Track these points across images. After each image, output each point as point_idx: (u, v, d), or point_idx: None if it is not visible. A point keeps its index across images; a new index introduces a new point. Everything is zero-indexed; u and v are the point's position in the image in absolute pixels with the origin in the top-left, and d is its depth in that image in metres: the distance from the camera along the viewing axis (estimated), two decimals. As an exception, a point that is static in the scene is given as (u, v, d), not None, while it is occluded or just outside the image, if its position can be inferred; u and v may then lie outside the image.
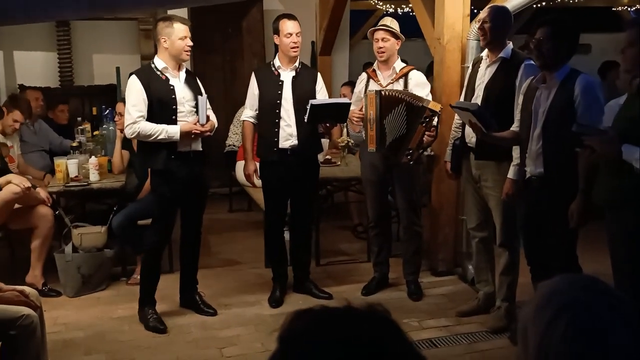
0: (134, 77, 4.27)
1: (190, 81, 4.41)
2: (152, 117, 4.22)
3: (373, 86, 4.70)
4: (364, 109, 4.64)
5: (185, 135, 4.25)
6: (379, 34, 4.63)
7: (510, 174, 3.97)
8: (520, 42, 8.48)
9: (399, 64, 4.71)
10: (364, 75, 4.87)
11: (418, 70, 4.78)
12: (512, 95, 4.02)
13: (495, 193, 4.17)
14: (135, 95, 4.21)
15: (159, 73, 4.27)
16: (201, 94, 4.38)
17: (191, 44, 4.31)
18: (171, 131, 4.21)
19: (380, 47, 4.62)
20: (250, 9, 7.76)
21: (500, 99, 4.03)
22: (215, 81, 7.97)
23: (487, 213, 4.36)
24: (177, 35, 4.22)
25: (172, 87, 4.28)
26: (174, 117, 4.27)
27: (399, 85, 4.65)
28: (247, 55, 7.97)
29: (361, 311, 1.01)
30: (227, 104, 7.70)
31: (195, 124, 4.28)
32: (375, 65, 4.80)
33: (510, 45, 4.17)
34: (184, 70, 4.39)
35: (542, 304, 1.14)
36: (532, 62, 4.04)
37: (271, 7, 7.50)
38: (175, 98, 4.28)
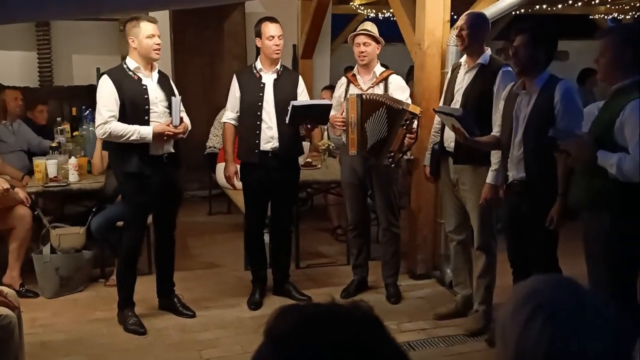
0: (105, 76, 4.22)
1: (163, 82, 4.37)
2: (124, 117, 4.17)
3: (353, 90, 4.74)
4: (345, 113, 4.67)
5: (158, 136, 4.20)
6: (360, 39, 4.67)
7: (489, 179, 4.03)
8: (498, 47, 8.60)
9: (379, 69, 4.75)
10: (343, 80, 4.90)
11: (397, 74, 4.82)
12: (490, 101, 4.09)
13: (472, 196, 4.22)
14: (106, 95, 4.16)
15: (131, 73, 4.23)
16: (174, 95, 4.36)
17: (159, 42, 4.26)
18: (143, 132, 4.16)
19: (362, 52, 4.65)
20: (231, 12, 7.77)
21: (478, 104, 4.08)
22: (196, 83, 7.97)
23: (464, 216, 4.41)
24: (144, 34, 4.18)
25: (144, 87, 4.24)
26: (146, 117, 4.23)
27: (379, 89, 4.69)
28: (227, 57, 7.98)
29: (346, 308, 1.03)
30: (207, 106, 7.69)
31: (168, 125, 4.25)
32: (355, 70, 4.83)
33: (488, 51, 4.23)
34: (157, 70, 4.36)
35: (519, 304, 1.16)
36: (510, 68, 4.12)
37: (253, 10, 7.51)
38: (147, 98, 4.24)
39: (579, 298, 1.14)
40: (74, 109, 7.12)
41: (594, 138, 3.12)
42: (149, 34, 4.19)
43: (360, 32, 4.68)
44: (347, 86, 4.81)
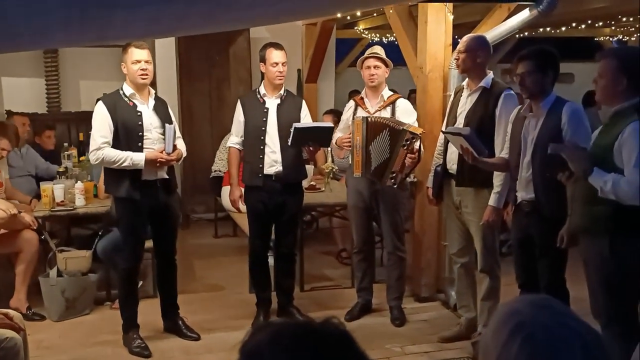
0: (100, 102, 4.28)
1: (159, 108, 4.41)
2: (117, 143, 4.22)
3: (361, 113, 4.78)
4: (351, 135, 4.72)
5: (151, 163, 4.24)
6: (371, 62, 4.72)
7: (492, 201, 4.06)
8: (505, 68, 8.63)
9: (386, 92, 4.80)
10: (351, 103, 4.95)
11: (405, 98, 4.87)
12: (492, 124, 4.12)
13: (475, 219, 4.23)
14: (100, 121, 4.22)
15: (126, 99, 4.28)
16: (170, 122, 4.40)
17: (145, 67, 4.26)
18: (136, 159, 4.20)
19: (373, 74, 4.70)
20: (237, 37, 7.86)
21: (481, 127, 4.10)
22: (202, 107, 8.05)
23: (468, 239, 4.42)
24: (130, 59, 4.24)
25: (139, 114, 4.28)
26: (140, 144, 4.27)
27: (386, 113, 4.72)
28: (233, 82, 8.05)
29: (317, 324, 1.06)
30: (213, 131, 7.77)
31: (161, 152, 4.29)
32: (363, 93, 4.88)
33: (490, 74, 4.27)
34: (153, 96, 4.41)
35: (500, 324, 1.17)
36: (512, 92, 4.17)
37: (258, 35, 7.60)
38: (142, 125, 4.28)
39: (556, 317, 1.16)
40: (80, 134, 7.21)
41: (594, 160, 3.15)
42: (135, 59, 4.23)
43: (371, 55, 4.73)
44: (355, 109, 4.86)
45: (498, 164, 4.00)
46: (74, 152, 6.43)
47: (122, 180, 4.26)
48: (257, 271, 4.92)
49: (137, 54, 4.23)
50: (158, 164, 4.29)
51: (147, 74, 4.28)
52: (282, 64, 4.62)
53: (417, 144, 4.52)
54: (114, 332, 4.62)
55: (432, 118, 5.04)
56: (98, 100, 4.33)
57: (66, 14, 2.05)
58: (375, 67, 4.70)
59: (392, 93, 4.82)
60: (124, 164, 4.19)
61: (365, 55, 4.79)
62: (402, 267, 4.97)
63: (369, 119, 4.64)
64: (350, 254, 5.54)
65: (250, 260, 4.92)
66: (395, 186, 4.58)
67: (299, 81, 8.32)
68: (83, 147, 6.66)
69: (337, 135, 4.91)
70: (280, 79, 4.64)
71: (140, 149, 4.25)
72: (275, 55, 4.62)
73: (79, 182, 5.39)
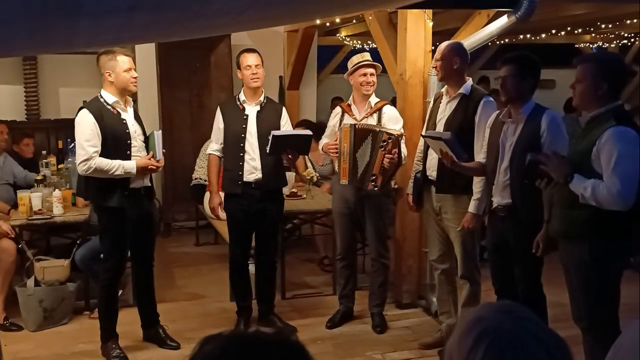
0: (85, 111, 4.20)
1: (137, 116, 4.43)
2: (105, 152, 4.17)
3: (348, 120, 4.77)
4: (338, 142, 4.70)
5: (141, 170, 4.23)
6: (368, 70, 4.69)
7: (471, 207, 4.07)
8: (482, 75, 8.67)
9: (374, 99, 4.78)
10: (338, 109, 4.92)
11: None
12: (472, 130, 4.14)
13: (455, 225, 4.24)
14: (88, 130, 4.15)
15: (109, 107, 4.24)
16: (144, 129, 4.40)
17: (137, 75, 4.30)
18: (127, 167, 4.18)
19: (369, 82, 4.68)
20: (218, 44, 7.83)
21: (460, 133, 4.10)
22: (183, 115, 8.00)
23: (448, 245, 4.42)
24: (121, 67, 4.21)
25: (124, 122, 4.27)
26: (128, 152, 4.25)
27: (372, 120, 4.71)
28: (214, 89, 8.02)
29: (269, 334, 1.04)
30: (194, 138, 7.72)
31: (149, 159, 4.28)
32: (350, 100, 4.86)
33: (469, 81, 4.28)
34: (132, 105, 4.41)
35: (465, 331, 1.17)
36: (491, 98, 4.19)
37: (239, 42, 7.58)
38: (129, 133, 4.27)
39: (518, 322, 1.16)
40: (60, 142, 7.14)
41: (573, 165, 3.16)
42: (127, 67, 4.23)
43: (366, 62, 4.71)
44: (342, 116, 4.84)
45: (476, 168, 4.01)
46: (52, 160, 6.36)
47: (111, 189, 4.22)
48: (237, 279, 4.89)
49: (129, 62, 4.24)
50: (148, 171, 4.28)
51: (136, 82, 4.31)
52: (256, 66, 4.60)
53: (397, 145, 4.48)
54: (93, 342, 4.57)
55: (413, 124, 5.05)
56: (81, 108, 4.27)
57: (28, 25, 2.03)
58: (371, 74, 4.69)
59: (379, 100, 4.81)
60: (117, 173, 4.15)
61: (358, 63, 4.71)
62: (385, 274, 4.96)
63: (357, 126, 4.64)
64: (333, 261, 5.53)
65: (230, 268, 4.89)
66: (376, 189, 4.55)
67: (281, 88, 8.31)
68: (62, 155, 6.60)
69: (324, 141, 4.90)
70: (256, 81, 4.62)
71: (128, 157, 4.23)
72: (247, 59, 4.62)
73: (57, 190, 5.33)
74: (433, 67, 4.27)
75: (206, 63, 7.99)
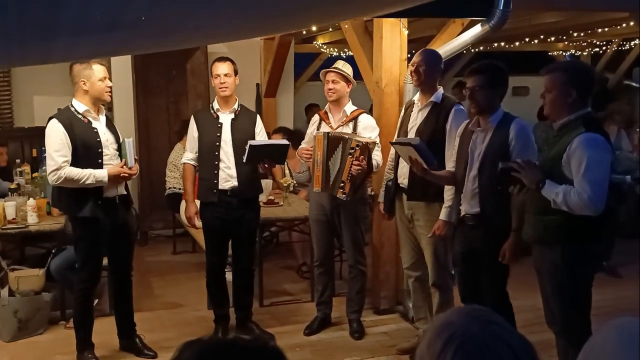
0: (54, 121, 4.17)
1: (109, 124, 4.41)
2: (76, 161, 4.14)
3: (324, 128, 4.79)
4: (312, 150, 4.72)
5: (113, 178, 4.21)
6: (330, 76, 4.73)
7: (442, 215, 4.11)
8: (458, 80, 8.74)
9: (349, 107, 4.79)
10: (316, 117, 4.94)
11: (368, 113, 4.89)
12: (443, 139, 4.18)
13: (426, 233, 4.28)
14: (58, 140, 4.12)
15: (80, 116, 4.21)
16: (119, 137, 4.38)
17: (111, 84, 4.30)
18: (99, 175, 4.15)
19: (330, 89, 4.71)
20: (194, 51, 7.82)
21: (431, 142, 4.13)
22: (160, 123, 7.97)
23: (420, 253, 4.45)
24: (96, 76, 4.20)
25: (95, 130, 4.24)
26: (99, 160, 4.22)
27: (348, 128, 4.73)
28: (191, 97, 8.00)
29: (247, 340, 1.06)
30: (171, 146, 7.69)
31: (122, 166, 4.26)
32: (327, 108, 4.89)
33: (440, 90, 4.33)
34: (104, 113, 4.38)
35: (434, 336, 1.19)
36: (462, 107, 4.24)
37: (216, 50, 7.57)
38: (100, 141, 4.24)
39: (485, 326, 1.18)
40: (34, 151, 7.08)
41: (544, 172, 3.21)
42: (102, 76, 4.22)
43: (331, 69, 4.74)
44: (320, 123, 4.87)
45: (446, 177, 4.05)
46: (26, 168, 6.31)
47: (83, 199, 4.18)
48: (214, 287, 4.88)
49: (103, 71, 4.23)
50: (120, 179, 4.25)
51: (111, 91, 4.30)
52: (225, 75, 4.60)
53: (365, 153, 4.50)
54: (69, 352, 4.53)
55: (388, 132, 5.07)
56: (51, 118, 4.23)
57: (4, 42, 2.02)
58: (333, 81, 4.71)
59: (355, 108, 4.82)
60: (88, 182, 4.12)
61: (327, 69, 4.79)
62: (363, 280, 4.98)
63: (330, 134, 4.66)
64: (311, 268, 5.54)
65: (207, 276, 4.87)
66: (345, 197, 4.56)
67: (258, 95, 8.32)
68: (36, 164, 6.55)
69: (302, 147, 4.93)
70: (224, 91, 4.62)
71: (100, 166, 4.20)
72: (217, 67, 4.63)
73: (31, 199, 5.28)
74: (414, 73, 4.29)
75: (182, 70, 7.98)
